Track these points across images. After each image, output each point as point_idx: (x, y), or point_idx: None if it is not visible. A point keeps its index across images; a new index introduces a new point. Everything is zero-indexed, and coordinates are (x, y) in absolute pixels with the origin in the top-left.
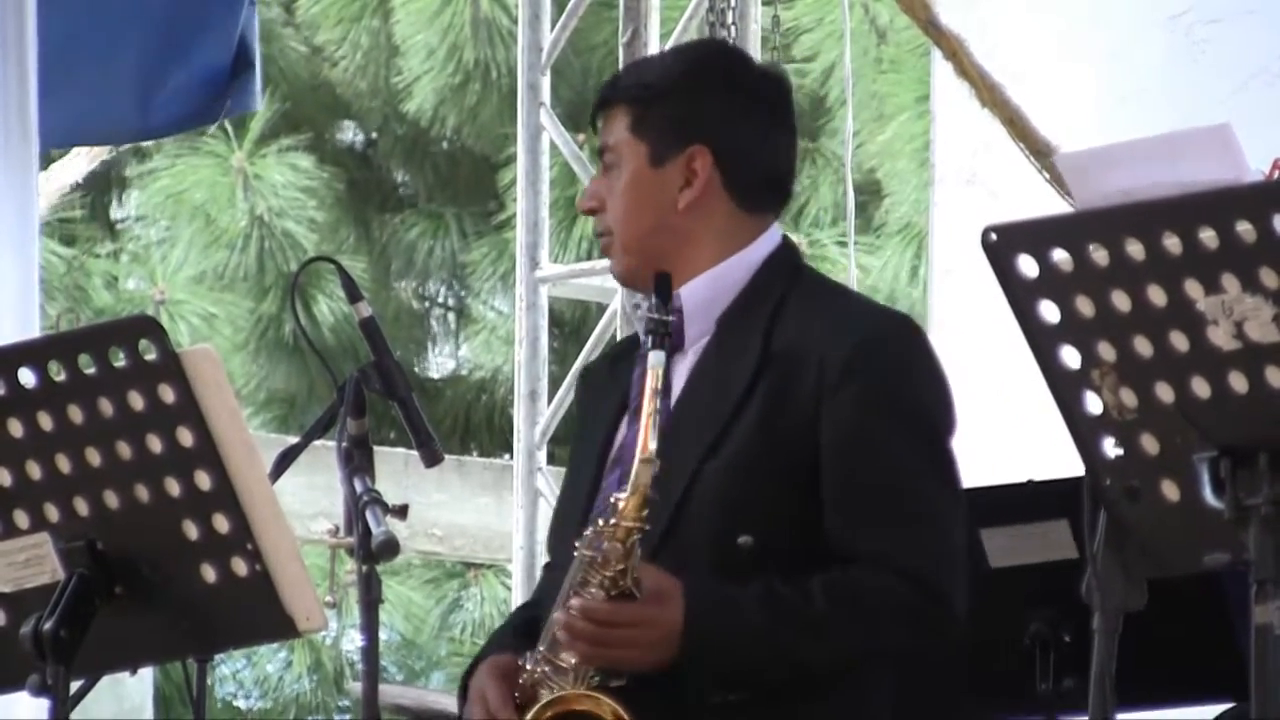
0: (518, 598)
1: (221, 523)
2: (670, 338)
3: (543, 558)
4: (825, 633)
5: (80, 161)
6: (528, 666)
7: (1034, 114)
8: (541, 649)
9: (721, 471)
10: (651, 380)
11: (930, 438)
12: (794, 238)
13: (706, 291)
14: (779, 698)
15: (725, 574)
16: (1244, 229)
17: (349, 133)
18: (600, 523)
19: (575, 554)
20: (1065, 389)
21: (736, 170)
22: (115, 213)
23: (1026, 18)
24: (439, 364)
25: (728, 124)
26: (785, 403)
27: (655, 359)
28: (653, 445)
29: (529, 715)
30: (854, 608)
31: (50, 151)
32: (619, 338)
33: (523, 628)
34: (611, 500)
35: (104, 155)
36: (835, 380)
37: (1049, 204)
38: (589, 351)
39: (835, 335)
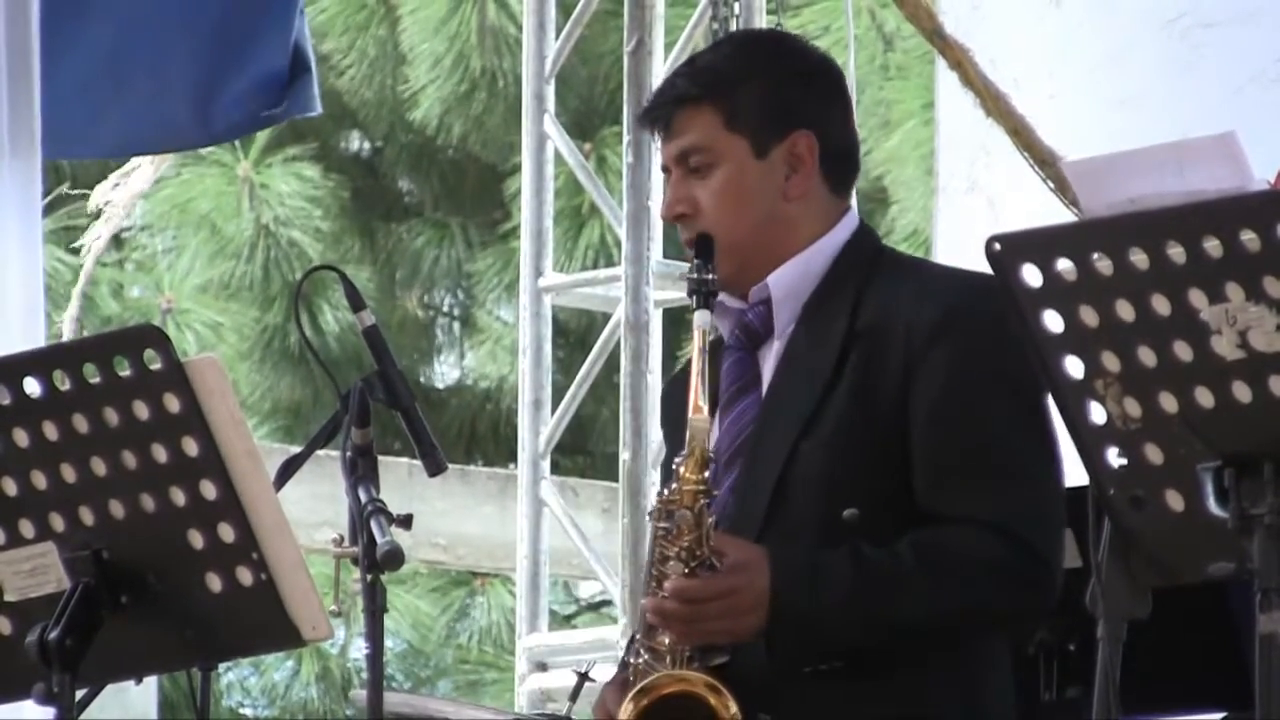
0: (522, 607)
1: (226, 532)
2: (714, 296)
3: (546, 568)
4: (914, 589)
5: (147, 170)
6: (630, 659)
7: (1032, 120)
8: (638, 636)
9: (819, 448)
10: (698, 339)
11: (1024, 397)
12: None
13: (793, 277)
14: (871, 667)
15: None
16: (1248, 238)
17: (355, 141)
18: (665, 492)
19: (649, 528)
20: (1069, 399)
21: (830, 151)
22: (122, 221)
23: (1026, 25)
24: (444, 373)
25: (818, 106)
26: (875, 375)
27: (700, 319)
28: (703, 404)
29: (624, 706)
30: (943, 564)
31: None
32: (624, 347)
33: None
34: (673, 467)
35: (168, 161)
36: (925, 345)
37: (1052, 212)
38: (593, 361)
39: (921, 302)
